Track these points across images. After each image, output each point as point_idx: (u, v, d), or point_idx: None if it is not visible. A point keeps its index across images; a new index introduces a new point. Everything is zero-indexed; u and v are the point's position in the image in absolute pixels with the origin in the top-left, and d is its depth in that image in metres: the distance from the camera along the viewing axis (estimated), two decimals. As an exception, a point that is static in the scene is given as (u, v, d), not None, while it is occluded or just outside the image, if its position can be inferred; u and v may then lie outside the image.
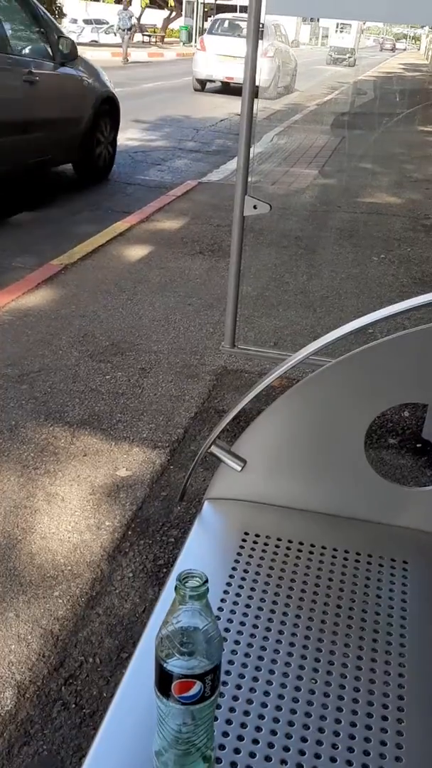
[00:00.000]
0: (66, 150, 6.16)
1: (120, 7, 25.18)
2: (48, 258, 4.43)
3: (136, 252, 4.62)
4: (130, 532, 2.14)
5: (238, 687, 0.97)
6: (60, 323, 3.50)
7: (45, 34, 5.74)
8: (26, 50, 5.56)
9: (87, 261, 4.40)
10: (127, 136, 9.32)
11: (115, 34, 24.71)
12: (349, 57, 16.96)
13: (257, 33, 2.47)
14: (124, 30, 23.35)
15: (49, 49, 5.77)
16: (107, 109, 6.71)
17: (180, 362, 3.20)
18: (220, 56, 12.74)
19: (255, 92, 2.38)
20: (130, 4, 31.44)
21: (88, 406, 2.80)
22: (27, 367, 3.06)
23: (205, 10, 33.34)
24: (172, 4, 33.48)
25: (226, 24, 14.39)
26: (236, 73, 11.39)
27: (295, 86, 13.22)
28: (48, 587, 1.92)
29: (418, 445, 2.65)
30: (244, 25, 10.53)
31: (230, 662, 1.00)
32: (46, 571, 1.97)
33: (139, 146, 8.76)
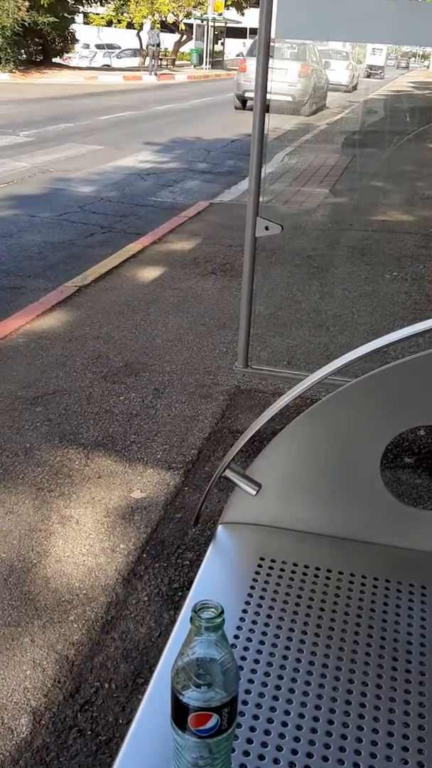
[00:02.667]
0: None
1: (148, 27, 28.27)
2: (62, 280, 4.47)
3: (149, 273, 4.64)
4: (144, 555, 2.13)
5: (255, 717, 0.96)
6: (74, 345, 3.52)
7: None
8: None
9: (100, 283, 4.43)
10: (139, 159, 9.43)
11: (145, 54, 27.85)
12: (381, 72, 22.10)
13: (267, 56, 2.50)
14: (153, 46, 26.57)
15: None
16: None
17: (193, 382, 3.20)
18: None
19: (266, 110, 2.40)
20: (141, 29, 31.94)
21: (103, 428, 2.80)
22: (42, 389, 3.07)
23: (215, 33, 33.77)
24: (183, 28, 33.95)
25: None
26: (274, 90, 12.08)
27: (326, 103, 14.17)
28: (63, 611, 1.91)
29: (435, 465, 2.63)
30: (279, 46, 11.27)
31: (247, 692, 0.99)
32: (61, 595, 1.97)
33: (150, 168, 8.85)
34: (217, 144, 11.06)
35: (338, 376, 1.22)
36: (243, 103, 14.95)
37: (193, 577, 1.85)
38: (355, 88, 16.35)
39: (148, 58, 26.45)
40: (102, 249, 5.27)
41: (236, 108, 14.59)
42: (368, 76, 20.74)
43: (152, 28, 26.96)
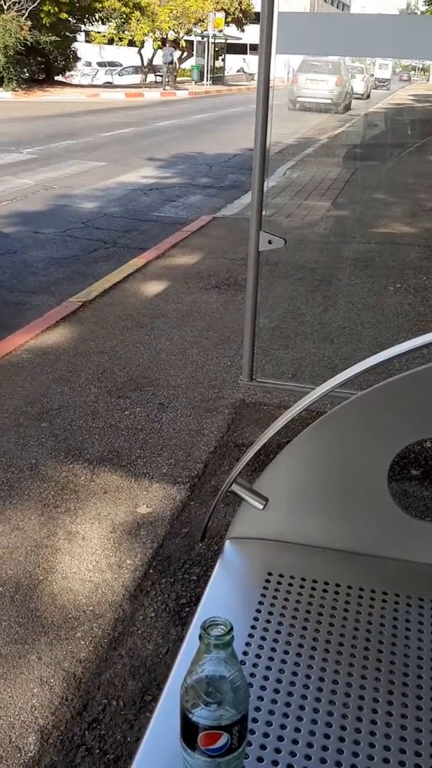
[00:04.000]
0: None
1: (150, 44, 30.64)
2: (66, 296, 4.48)
3: (153, 287, 4.66)
4: (151, 571, 2.12)
5: (266, 735, 0.95)
6: (79, 360, 3.53)
7: None
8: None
9: (105, 298, 4.44)
10: (142, 174, 9.49)
11: (158, 72, 30.66)
12: (387, 84, 26.89)
13: (267, 73, 2.52)
14: (168, 63, 29.05)
15: None
16: None
17: (198, 396, 3.20)
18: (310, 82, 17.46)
19: (267, 124, 2.42)
20: (143, 46, 32.26)
21: (108, 443, 2.80)
22: (47, 404, 3.07)
23: (216, 49, 34.05)
24: (184, 44, 34.25)
25: (312, 62, 18.54)
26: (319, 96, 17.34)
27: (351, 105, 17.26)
28: (70, 628, 1.90)
29: (442, 477, 2.62)
30: (320, 64, 15.07)
31: (257, 709, 0.98)
32: (68, 611, 1.96)
33: (153, 183, 8.90)
34: (219, 159, 11.13)
35: (344, 388, 1.22)
36: (296, 104, 17.84)
37: (200, 592, 1.84)
38: (368, 96, 20.74)
39: (162, 74, 29.09)
40: (106, 264, 5.29)
41: (289, 109, 17.36)
42: (376, 88, 25.02)
43: (167, 47, 29.66)
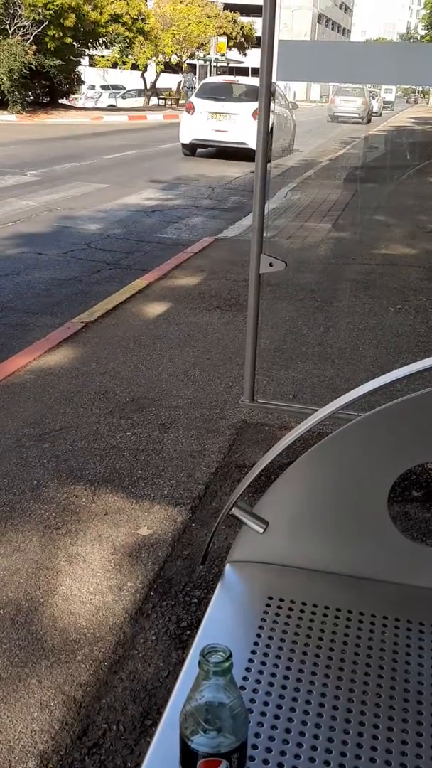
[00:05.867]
0: None
1: (153, 67, 33.29)
2: (69, 317, 4.51)
3: (155, 308, 4.68)
4: (152, 593, 2.11)
5: (265, 762, 0.94)
6: (81, 381, 3.54)
7: None
8: None
9: (107, 318, 4.47)
10: (144, 196, 9.57)
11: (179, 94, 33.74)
12: (392, 105, 31.66)
13: (269, 98, 2.56)
14: (188, 88, 31.63)
15: None
16: None
17: (200, 417, 3.20)
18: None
19: (268, 145, 2.45)
20: (146, 70, 32.70)
21: (109, 464, 2.80)
22: (49, 425, 3.08)
23: (218, 73, 34.50)
24: (186, 68, 34.70)
25: (344, 88, 21.91)
26: (349, 112, 21.87)
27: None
28: (70, 651, 1.90)
29: (443, 498, 2.61)
30: (349, 88, 20.58)
31: (256, 735, 0.98)
32: (68, 634, 1.95)
33: (155, 205, 8.98)
34: (221, 181, 11.23)
35: (345, 410, 1.23)
36: (334, 118, 21.63)
37: (201, 615, 1.83)
38: (380, 114, 25.30)
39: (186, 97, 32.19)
40: (108, 285, 5.32)
41: (328, 122, 21.32)
42: (384, 108, 29.43)
43: (188, 73, 33.08)
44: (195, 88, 30.79)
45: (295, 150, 14.35)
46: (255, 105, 11.66)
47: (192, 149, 13.91)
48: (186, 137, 13.56)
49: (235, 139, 12.59)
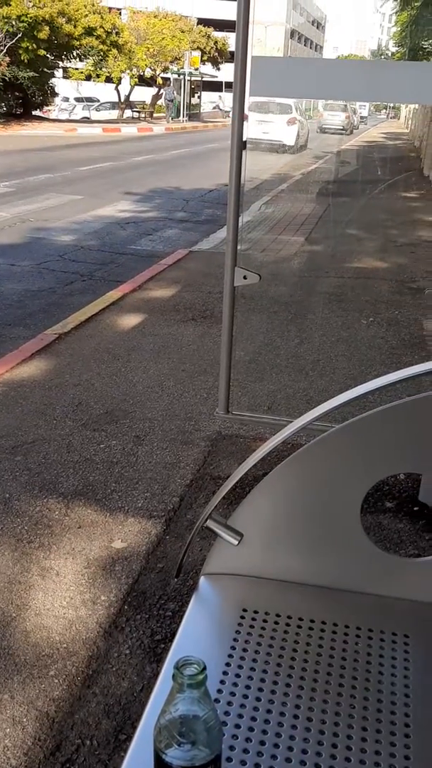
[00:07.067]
0: None
1: (127, 80, 33.45)
2: (42, 328, 4.48)
3: (130, 320, 4.68)
4: (126, 607, 2.10)
5: (240, 774, 0.94)
6: (54, 393, 3.52)
7: None
8: None
9: (81, 330, 4.45)
10: (119, 208, 9.58)
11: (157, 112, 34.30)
12: (366, 119, 32.94)
13: (242, 113, 2.59)
14: (169, 101, 32.75)
15: None
16: None
17: (174, 429, 3.20)
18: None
19: (242, 160, 2.48)
20: (120, 83, 32.81)
21: (83, 477, 2.79)
22: (21, 438, 3.06)
23: (192, 87, 34.72)
24: (160, 81, 34.89)
25: (330, 103, 23.54)
26: (334, 125, 24.05)
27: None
28: (43, 666, 1.87)
29: (415, 509, 2.64)
30: (333, 104, 22.19)
31: (231, 748, 0.98)
32: (41, 649, 1.93)
33: (130, 217, 8.98)
34: (195, 194, 11.28)
35: (319, 422, 1.24)
36: (322, 130, 23.63)
37: (175, 628, 1.82)
38: (357, 128, 27.00)
39: (165, 111, 33.51)
40: (82, 297, 5.31)
41: (317, 132, 22.82)
42: (360, 122, 30.85)
43: (168, 86, 33.46)
44: (174, 101, 32.42)
45: (308, 149, 19.69)
46: (287, 116, 18.28)
47: (244, 145, 17.98)
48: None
49: (274, 138, 17.59)
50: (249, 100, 2.40)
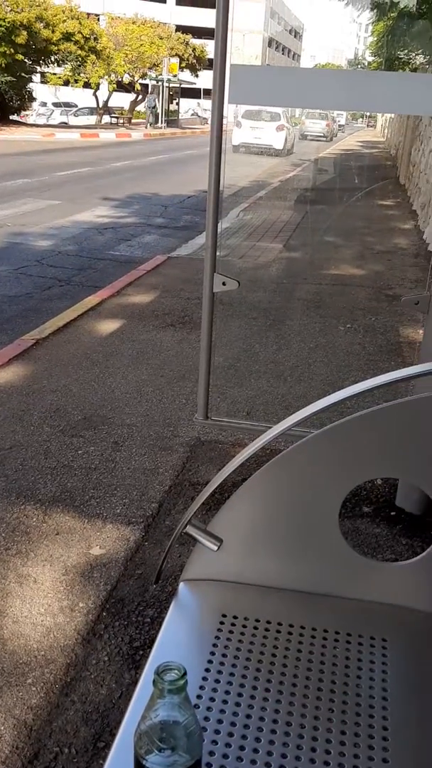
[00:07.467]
0: None
1: (105, 86, 33.84)
2: (19, 333, 4.45)
3: (108, 326, 4.67)
4: (104, 614, 2.09)
5: (220, 779, 0.94)
6: (32, 398, 3.50)
7: None
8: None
9: (59, 336, 4.43)
10: (97, 213, 9.56)
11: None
12: (344, 129, 33.79)
13: (221, 118, 2.60)
14: (151, 108, 33.09)
15: None
16: None
17: (153, 435, 3.20)
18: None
19: (221, 167, 2.49)
20: (98, 89, 32.78)
21: (60, 483, 2.77)
22: (-2, 444, 3.03)
23: (170, 93, 34.80)
24: (138, 88, 34.93)
25: (312, 112, 24.72)
26: (315, 132, 25.79)
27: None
28: (21, 674, 1.86)
29: (392, 513, 2.66)
30: (316, 112, 24.32)
31: (211, 753, 0.98)
32: (18, 657, 1.91)
33: (108, 223, 8.97)
34: (174, 200, 11.30)
35: (298, 427, 1.25)
36: (304, 137, 25.01)
37: (154, 635, 1.82)
38: (336, 135, 28.20)
39: (146, 117, 33.87)
40: (60, 302, 5.29)
41: (299, 139, 23.91)
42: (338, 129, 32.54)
43: (151, 93, 33.94)
44: (156, 107, 33.12)
45: (294, 152, 21.60)
46: (277, 123, 19.88)
47: (238, 149, 20.69)
48: (236, 141, 20.23)
49: (265, 142, 19.88)
50: (228, 107, 2.41)
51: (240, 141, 20.78)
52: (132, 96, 35.87)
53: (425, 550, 1.28)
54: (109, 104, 35.36)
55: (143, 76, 34.51)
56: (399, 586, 1.29)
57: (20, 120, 29.32)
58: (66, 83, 32.69)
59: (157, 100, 33.61)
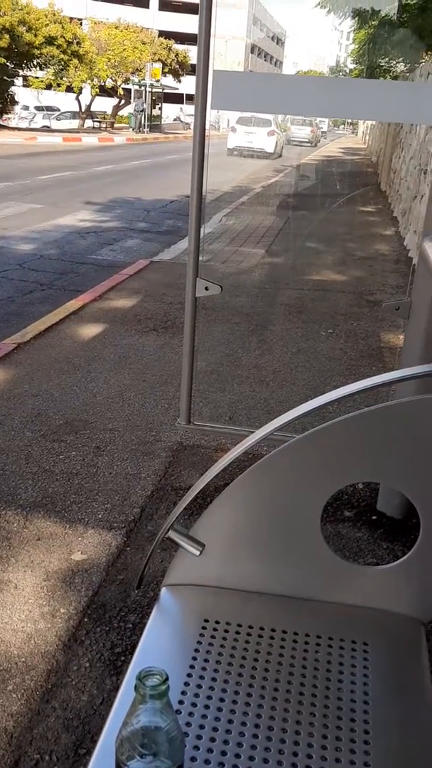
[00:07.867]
0: None
1: (88, 90, 33.78)
2: (0, 337, 4.42)
3: (90, 330, 4.65)
4: (86, 619, 2.08)
5: (202, 785, 0.94)
6: (12, 403, 3.48)
7: None
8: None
9: (40, 340, 4.41)
10: (79, 218, 9.53)
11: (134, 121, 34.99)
12: (326, 135, 34.40)
13: (204, 123, 2.60)
14: (138, 112, 33.67)
15: None
16: None
17: (135, 439, 3.19)
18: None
19: (203, 172, 2.50)
20: (81, 93, 32.73)
21: (42, 488, 2.75)
22: (-21, 449, 3.01)
23: (153, 98, 34.83)
24: (121, 92, 34.93)
25: (297, 118, 25.80)
26: (301, 137, 26.96)
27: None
28: (1, 681, 1.84)
29: (374, 518, 2.67)
30: (301, 118, 25.24)
31: (192, 759, 0.97)
32: (-2, 664, 1.89)
33: (90, 227, 8.94)
34: (156, 204, 11.30)
35: (280, 432, 1.25)
36: (290, 142, 25.74)
37: (136, 640, 1.82)
38: (319, 140, 29.17)
39: (133, 122, 34.58)
40: (42, 306, 5.26)
41: (286, 145, 24.67)
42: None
43: (138, 98, 34.40)
44: (143, 111, 33.48)
45: (283, 156, 22.67)
46: (268, 128, 21.38)
47: (232, 153, 21.94)
48: (231, 145, 21.72)
49: (257, 146, 21.41)
50: (211, 113, 2.42)
51: (234, 144, 22.24)
52: (115, 100, 35.85)
53: (406, 554, 1.29)
54: (92, 108, 35.34)
55: (126, 80, 34.53)
56: (380, 590, 1.30)
57: (2, 123, 29.20)
58: (48, 87, 32.62)
59: (144, 104, 33.93)
